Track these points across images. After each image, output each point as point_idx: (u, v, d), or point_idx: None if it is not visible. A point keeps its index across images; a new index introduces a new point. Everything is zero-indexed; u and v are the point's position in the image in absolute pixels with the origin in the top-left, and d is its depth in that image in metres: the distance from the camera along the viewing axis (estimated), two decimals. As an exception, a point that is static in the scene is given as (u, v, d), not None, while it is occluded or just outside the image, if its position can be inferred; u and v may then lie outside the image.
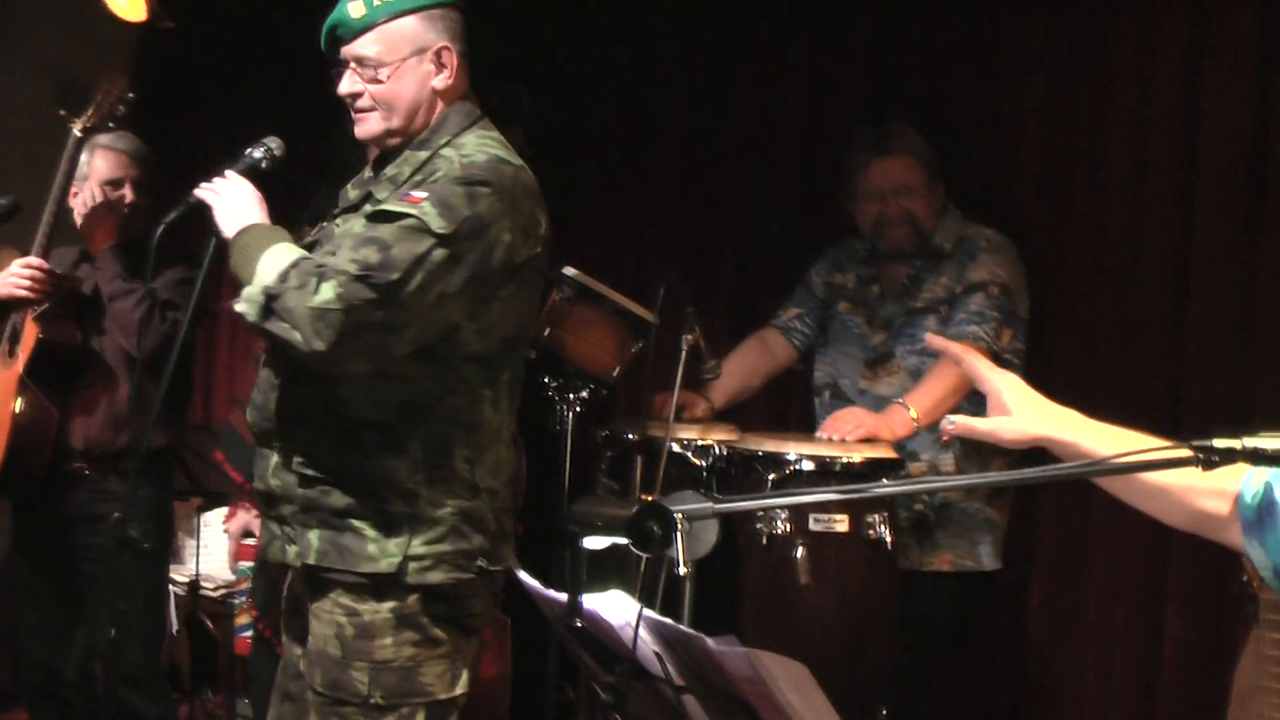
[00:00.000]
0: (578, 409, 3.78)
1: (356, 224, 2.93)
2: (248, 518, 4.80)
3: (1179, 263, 4.01)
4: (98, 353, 4.18)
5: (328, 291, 2.74)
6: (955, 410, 3.52)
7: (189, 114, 6.19)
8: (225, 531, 5.28)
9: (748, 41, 5.14)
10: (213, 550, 5.45)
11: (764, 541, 3.57)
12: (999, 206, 4.29)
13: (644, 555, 1.93)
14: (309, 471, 2.92)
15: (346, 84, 2.99)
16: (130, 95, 4.08)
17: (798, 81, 5.01)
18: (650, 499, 1.98)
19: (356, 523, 2.89)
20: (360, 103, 3.00)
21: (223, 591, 5.49)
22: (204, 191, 3.03)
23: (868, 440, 3.70)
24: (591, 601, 2.19)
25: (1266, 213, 3.85)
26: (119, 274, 4.10)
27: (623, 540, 1.95)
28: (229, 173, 3.07)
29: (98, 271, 4.15)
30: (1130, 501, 2.02)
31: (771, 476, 3.63)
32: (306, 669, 2.99)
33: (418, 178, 2.92)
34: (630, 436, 3.91)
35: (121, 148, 4.27)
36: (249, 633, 4.93)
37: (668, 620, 2.10)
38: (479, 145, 2.95)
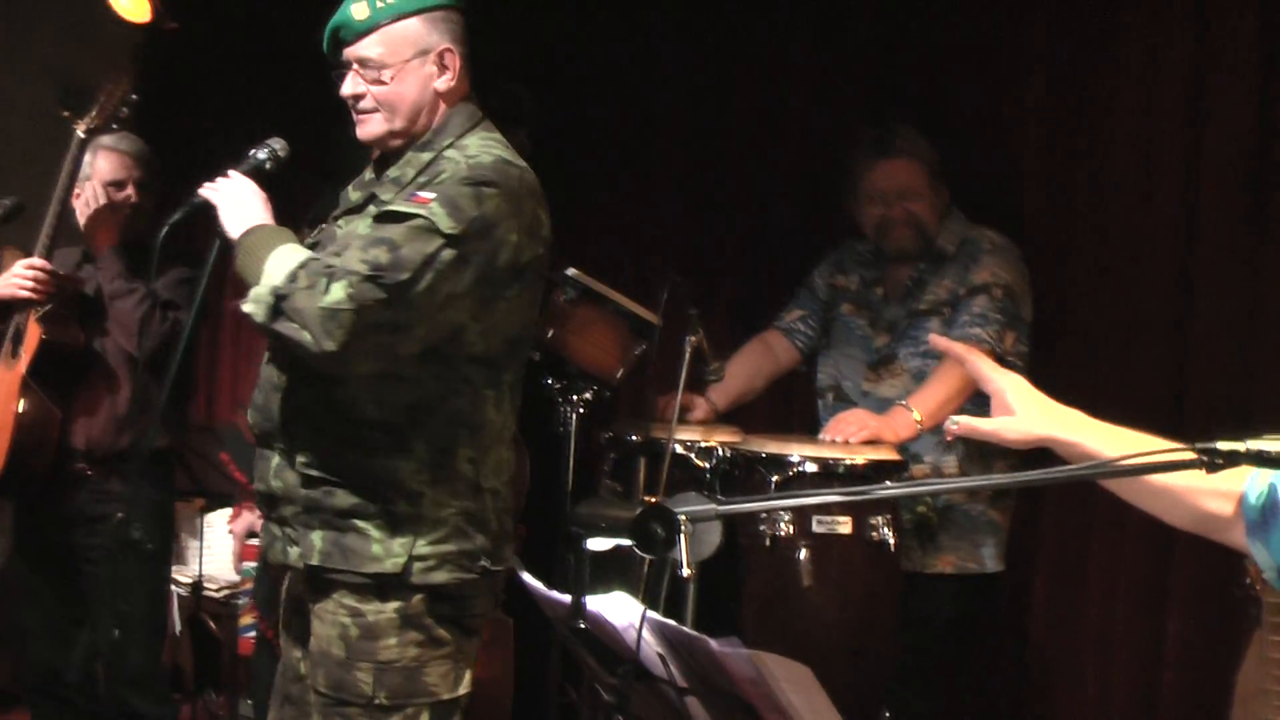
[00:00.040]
0: (581, 411, 3.78)
1: (361, 225, 2.94)
2: (252, 518, 4.80)
3: (1182, 263, 4.01)
4: (100, 353, 4.18)
5: (338, 292, 2.75)
6: (959, 412, 3.52)
7: (192, 115, 6.19)
8: (230, 532, 5.30)
9: (748, 41, 5.14)
10: (215, 551, 5.45)
11: (767, 543, 3.57)
12: (1000, 206, 4.28)
13: (647, 557, 1.93)
14: (312, 472, 2.92)
15: (349, 85, 3.00)
16: (133, 96, 4.08)
17: (798, 81, 5.01)
18: (653, 501, 1.99)
19: (360, 523, 2.89)
20: (363, 104, 3.00)
21: (225, 592, 5.49)
22: (208, 191, 3.03)
23: (871, 442, 3.70)
24: (595, 603, 2.19)
25: (1269, 212, 3.85)
26: (120, 273, 4.10)
27: (626, 542, 1.95)
28: (232, 173, 3.07)
29: (100, 271, 4.15)
30: (1133, 502, 2.02)
31: (774, 478, 3.63)
32: (309, 670, 2.99)
33: (422, 179, 2.93)
34: (633, 438, 3.90)
35: (124, 149, 4.27)
36: (253, 633, 4.93)
37: (671, 622, 2.10)
38: (483, 146, 2.95)
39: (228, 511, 5.30)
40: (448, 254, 2.80)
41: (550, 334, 3.60)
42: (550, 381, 3.77)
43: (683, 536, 1.88)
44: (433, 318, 2.84)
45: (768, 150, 5.08)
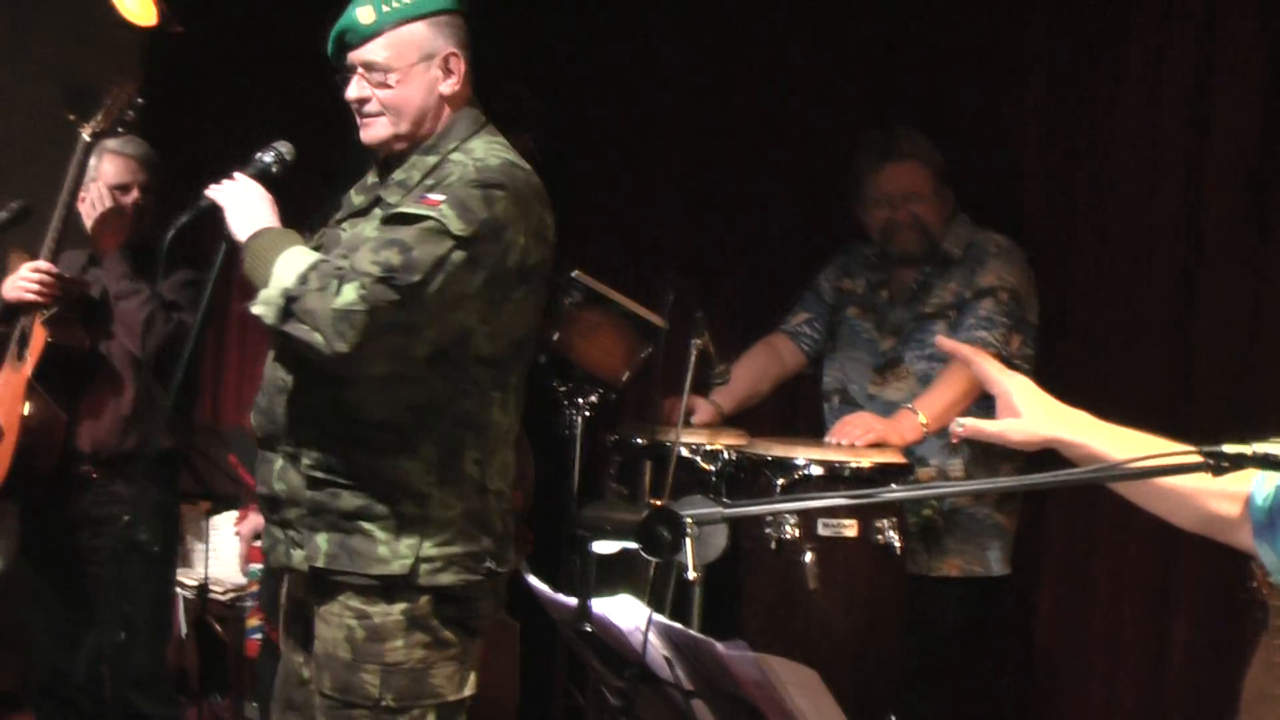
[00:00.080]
0: (586, 413, 3.79)
1: (368, 228, 2.94)
2: (259, 520, 4.79)
3: (1186, 263, 4.00)
4: (105, 356, 4.18)
5: (350, 293, 2.76)
6: (965, 414, 3.52)
7: (197, 117, 6.19)
8: (236, 534, 5.30)
9: (748, 41, 5.13)
10: (221, 554, 5.46)
11: (773, 546, 3.56)
12: (1001, 207, 4.28)
13: (653, 560, 1.93)
14: (318, 474, 2.92)
15: (354, 89, 3.00)
16: (139, 100, 4.09)
17: (799, 81, 5.00)
18: (660, 504, 1.99)
19: (366, 525, 2.90)
20: (368, 108, 3.00)
21: (231, 595, 5.49)
22: (214, 192, 3.03)
23: (877, 445, 3.69)
24: (601, 606, 2.19)
25: (1271, 212, 3.85)
26: (126, 275, 4.11)
27: (632, 545, 1.95)
28: (238, 175, 3.07)
29: (105, 274, 4.16)
30: (1140, 503, 2.02)
31: (780, 481, 3.63)
32: (314, 673, 2.99)
33: (429, 182, 2.93)
34: (639, 441, 3.90)
35: (129, 153, 4.28)
36: (259, 635, 4.93)
37: (677, 625, 2.10)
38: (489, 150, 2.96)
39: (233, 514, 5.31)
40: (458, 256, 2.81)
41: (556, 337, 3.60)
42: (556, 384, 3.77)
43: (689, 539, 1.88)
44: (443, 319, 2.85)
45: (768, 150, 5.08)
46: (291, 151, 3.18)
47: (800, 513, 3.53)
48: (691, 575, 1.89)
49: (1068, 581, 4.27)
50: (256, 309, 2.87)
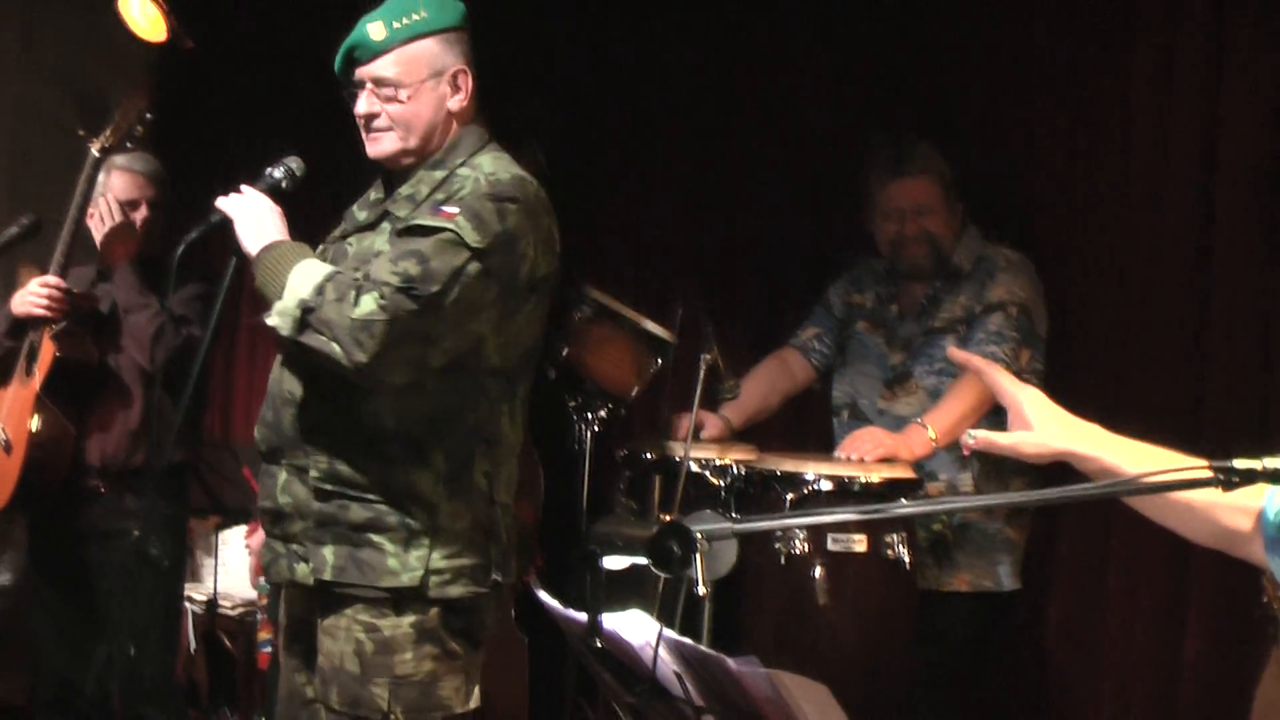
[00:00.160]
0: (596, 428, 3.78)
1: (378, 241, 2.96)
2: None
3: (1198, 274, 3.97)
4: (114, 370, 4.19)
5: (369, 303, 2.77)
6: (974, 428, 3.50)
7: (207, 133, 6.19)
8: (247, 547, 5.29)
9: (751, 44, 5.12)
10: (231, 568, 5.45)
11: (782, 561, 3.56)
12: (1010, 211, 4.27)
13: (663, 575, 1.92)
14: (326, 486, 2.92)
15: (364, 104, 3.01)
16: (149, 115, 4.10)
17: (802, 84, 4.98)
18: (670, 519, 1.98)
19: (375, 537, 2.90)
20: (377, 123, 3.02)
21: (240, 609, 5.49)
22: (224, 203, 3.03)
23: (886, 460, 3.69)
24: (611, 621, 2.18)
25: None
26: (135, 287, 4.12)
27: (642, 560, 1.94)
28: (248, 189, 3.08)
29: (115, 288, 4.16)
30: (1151, 516, 2.02)
31: (790, 496, 3.62)
32: (320, 688, 2.98)
33: (439, 195, 2.94)
34: (649, 456, 3.89)
35: (138, 169, 4.29)
36: (269, 648, 4.93)
37: (687, 640, 2.09)
38: (498, 164, 2.99)
39: (243, 528, 5.30)
40: (474, 267, 2.84)
41: (566, 351, 3.60)
42: (566, 398, 3.77)
43: (699, 555, 1.87)
44: (460, 330, 2.86)
45: (775, 156, 5.06)
46: (302, 167, 3.18)
47: (810, 528, 3.52)
48: (701, 590, 1.89)
49: (1079, 596, 4.25)
50: (272, 320, 2.88)
